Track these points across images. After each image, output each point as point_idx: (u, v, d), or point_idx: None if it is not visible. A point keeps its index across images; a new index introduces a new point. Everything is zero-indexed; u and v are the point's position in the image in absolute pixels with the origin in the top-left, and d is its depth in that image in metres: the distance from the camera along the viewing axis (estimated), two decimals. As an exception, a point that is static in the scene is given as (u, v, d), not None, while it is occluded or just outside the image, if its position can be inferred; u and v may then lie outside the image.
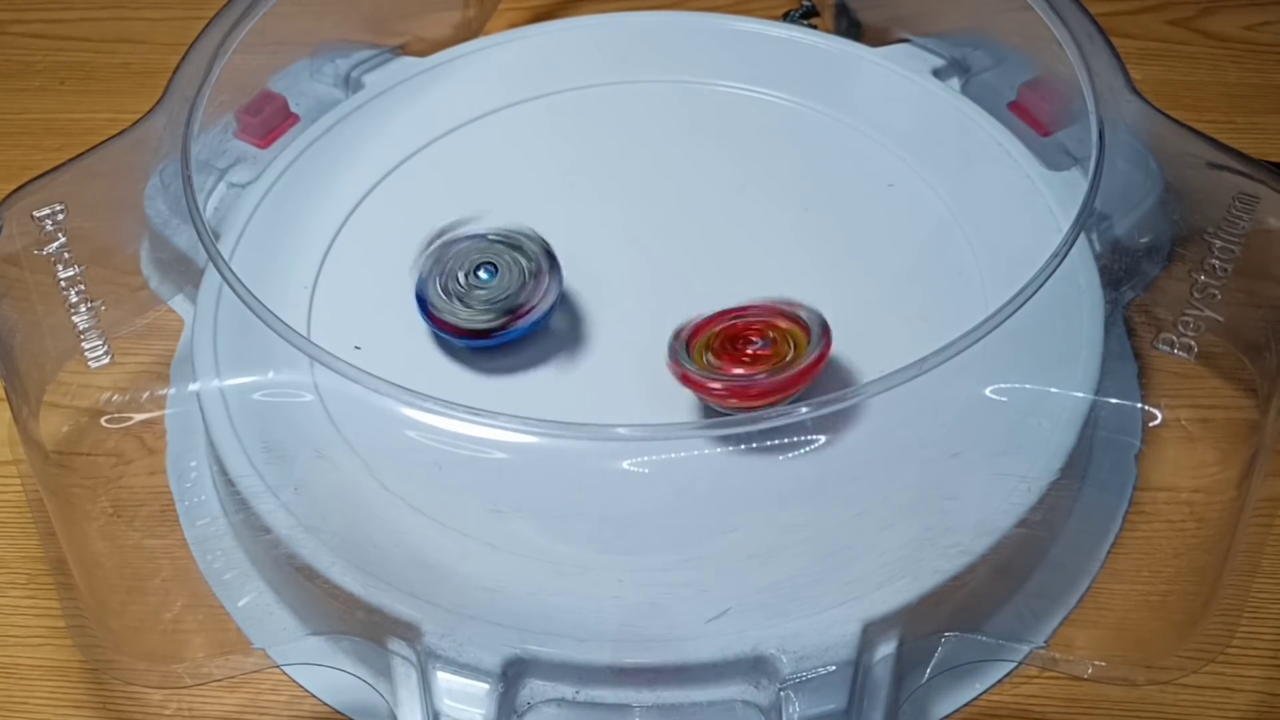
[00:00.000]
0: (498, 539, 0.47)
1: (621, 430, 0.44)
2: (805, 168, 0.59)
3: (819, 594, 0.45)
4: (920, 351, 0.44)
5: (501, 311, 0.51)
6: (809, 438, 0.46)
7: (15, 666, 0.51)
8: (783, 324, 0.50)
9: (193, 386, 0.51)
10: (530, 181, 0.59)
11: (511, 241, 0.52)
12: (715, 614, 0.45)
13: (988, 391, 0.48)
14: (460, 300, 0.51)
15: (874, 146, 0.59)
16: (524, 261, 0.52)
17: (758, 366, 0.48)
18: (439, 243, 0.52)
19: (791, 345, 0.49)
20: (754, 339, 0.49)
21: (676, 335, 0.50)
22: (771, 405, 0.48)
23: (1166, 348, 0.47)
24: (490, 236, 0.52)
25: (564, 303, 0.53)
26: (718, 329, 0.50)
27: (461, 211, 0.57)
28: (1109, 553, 0.51)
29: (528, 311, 0.51)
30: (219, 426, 0.50)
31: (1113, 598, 0.50)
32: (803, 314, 0.50)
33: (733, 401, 0.49)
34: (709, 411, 0.50)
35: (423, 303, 0.52)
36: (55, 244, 0.49)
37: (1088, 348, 0.50)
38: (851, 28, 0.68)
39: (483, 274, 0.51)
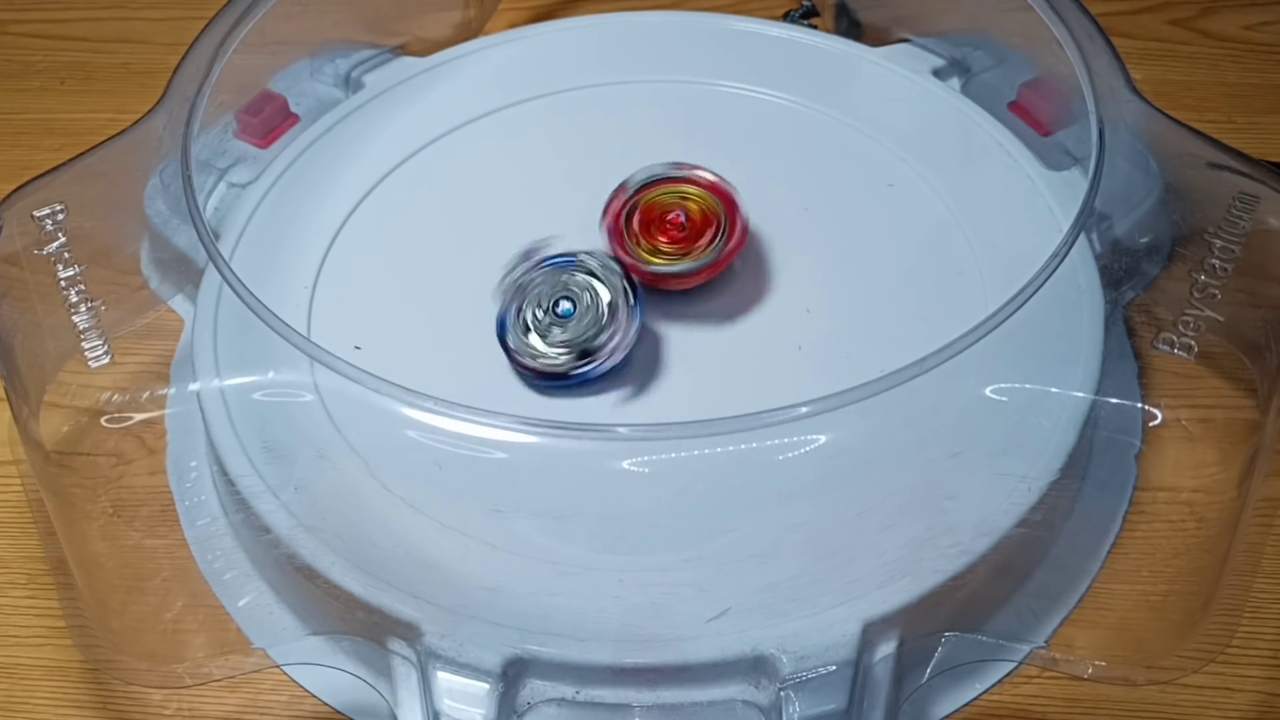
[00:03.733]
0: (498, 539, 0.47)
1: (621, 430, 0.44)
2: (805, 168, 0.59)
3: (819, 594, 0.45)
4: (920, 351, 0.44)
5: (577, 354, 0.50)
6: (809, 438, 0.46)
7: (16, 666, 0.51)
8: (700, 200, 0.53)
9: (193, 386, 0.51)
10: (530, 181, 0.59)
11: (591, 270, 0.51)
12: (715, 614, 0.45)
13: (988, 391, 0.48)
14: (541, 336, 0.50)
15: (874, 146, 0.59)
16: (603, 299, 0.50)
17: (687, 244, 0.52)
18: (520, 269, 0.51)
19: (719, 220, 0.53)
20: (677, 217, 0.53)
21: (604, 216, 0.53)
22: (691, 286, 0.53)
23: (1166, 348, 0.47)
24: (571, 267, 0.51)
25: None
26: (641, 203, 0.53)
27: (460, 212, 0.58)
28: (1109, 553, 0.51)
29: (603, 357, 0.50)
30: (219, 426, 0.50)
31: (1113, 598, 0.50)
32: (703, 175, 0.53)
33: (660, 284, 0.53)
34: (708, 411, 0.50)
35: (503, 338, 0.51)
36: (55, 244, 0.49)
37: (1088, 348, 0.50)
38: (851, 28, 0.68)
39: (562, 307, 0.50)
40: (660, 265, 0.52)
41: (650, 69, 0.63)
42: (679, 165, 0.54)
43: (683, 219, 0.53)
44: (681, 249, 0.52)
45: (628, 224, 0.53)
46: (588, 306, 0.51)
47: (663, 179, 0.54)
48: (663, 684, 0.45)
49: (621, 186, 0.54)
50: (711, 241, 0.52)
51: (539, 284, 0.51)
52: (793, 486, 0.47)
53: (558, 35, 0.65)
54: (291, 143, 0.60)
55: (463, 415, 0.43)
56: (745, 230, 0.53)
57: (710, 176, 0.54)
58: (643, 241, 0.53)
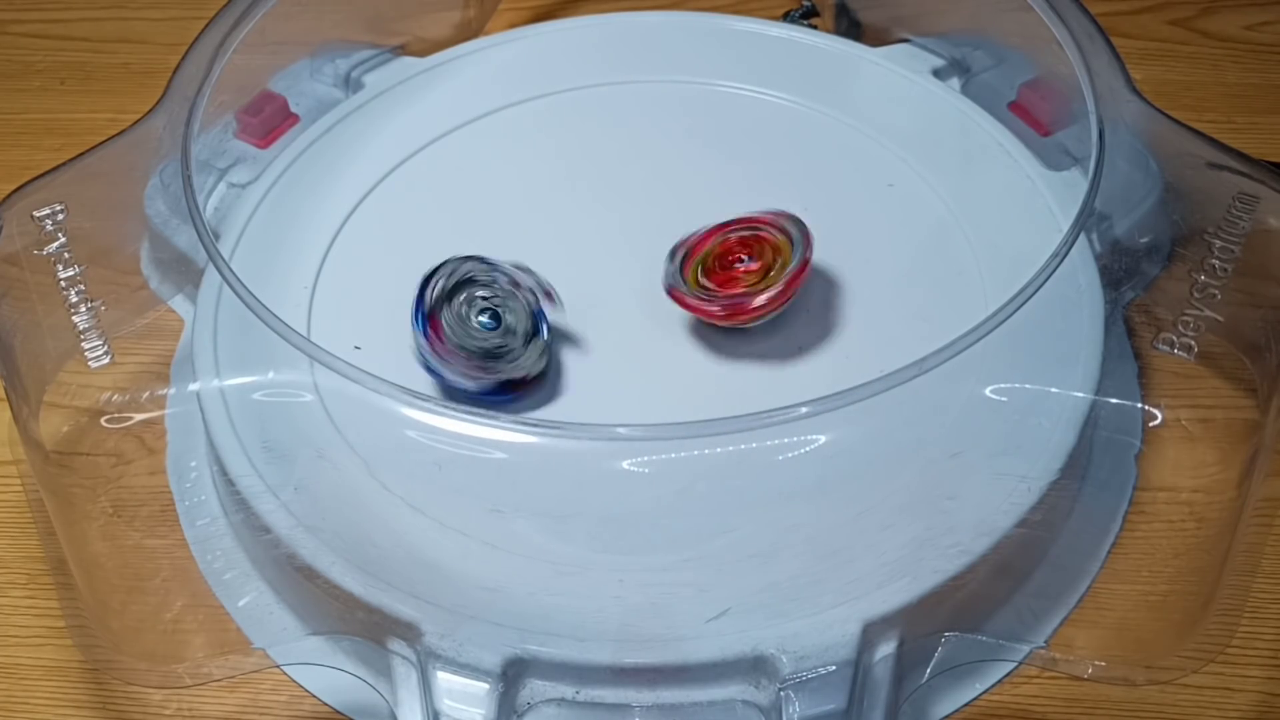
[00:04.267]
0: (498, 539, 0.47)
1: (621, 430, 0.44)
2: (805, 168, 0.59)
3: (819, 594, 0.45)
4: (920, 351, 0.44)
5: (495, 372, 0.49)
6: (809, 438, 0.46)
7: (16, 666, 0.51)
8: (767, 235, 0.52)
9: (193, 386, 0.51)
10: (530, 182, 0.59)
11: (511, 280, 0.51)
12: (715, 614, 0.45)
13: (988, 391, 0.48)
14: (461, 349, 0.49)
15: (874, 146, 0.59)
16: (521, 318, 0.50)
17: (747, 283, 0.51)
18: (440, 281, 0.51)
19: (776, 255, 0.52)
20: (742, 256, 0.52)
21: (671, 259, 0.52)
22: (765, 316, 0.52)
23: (1166, 348, 0.47)
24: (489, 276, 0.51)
25: (563, 302, 0.52)
26: (709, 249, 0.52)
27: (460, 212, 0.58)
28: (1109, 553, 0.51)
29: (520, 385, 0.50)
30: (219, 426, 0.50)
31: (1113, 598, 0.50)
32: (785, 222, 0.52)
33: (734, 319, 0.52)
34: (708, 411, 0.50)
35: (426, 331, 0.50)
36: (55, 244, 0.49)
37: (1088, 348, 0.50)
38: (851, 28, 0.68)
39: (484, 319, 0.50)
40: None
41: (650, 69, 0.63)
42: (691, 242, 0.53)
43: (743, 259, 0.52)
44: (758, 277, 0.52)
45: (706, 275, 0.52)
46: (507, 329, 0.50)
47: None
48: (663, 684, 0.45)
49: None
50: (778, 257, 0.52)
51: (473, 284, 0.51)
52: (793, 486, 0.47)
53: (558, 35, 0.65)
54: (291, 143, 0.60)
55: (463, 415, 0.43)
56: (805, 233, 0.52)
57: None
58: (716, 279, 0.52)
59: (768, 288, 0.51)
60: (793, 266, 0.51)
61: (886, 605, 0.45)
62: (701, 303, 0.51)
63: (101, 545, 0.49)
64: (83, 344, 0.48)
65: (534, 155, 0.60)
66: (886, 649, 0.45)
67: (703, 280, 0.52)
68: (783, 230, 0.52)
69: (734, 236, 0.52)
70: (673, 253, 0.53)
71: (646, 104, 0.62)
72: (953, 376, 0.45)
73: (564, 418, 0.49)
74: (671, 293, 0.52)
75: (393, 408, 0.44)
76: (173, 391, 0.51)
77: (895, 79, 0.62)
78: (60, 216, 0.50)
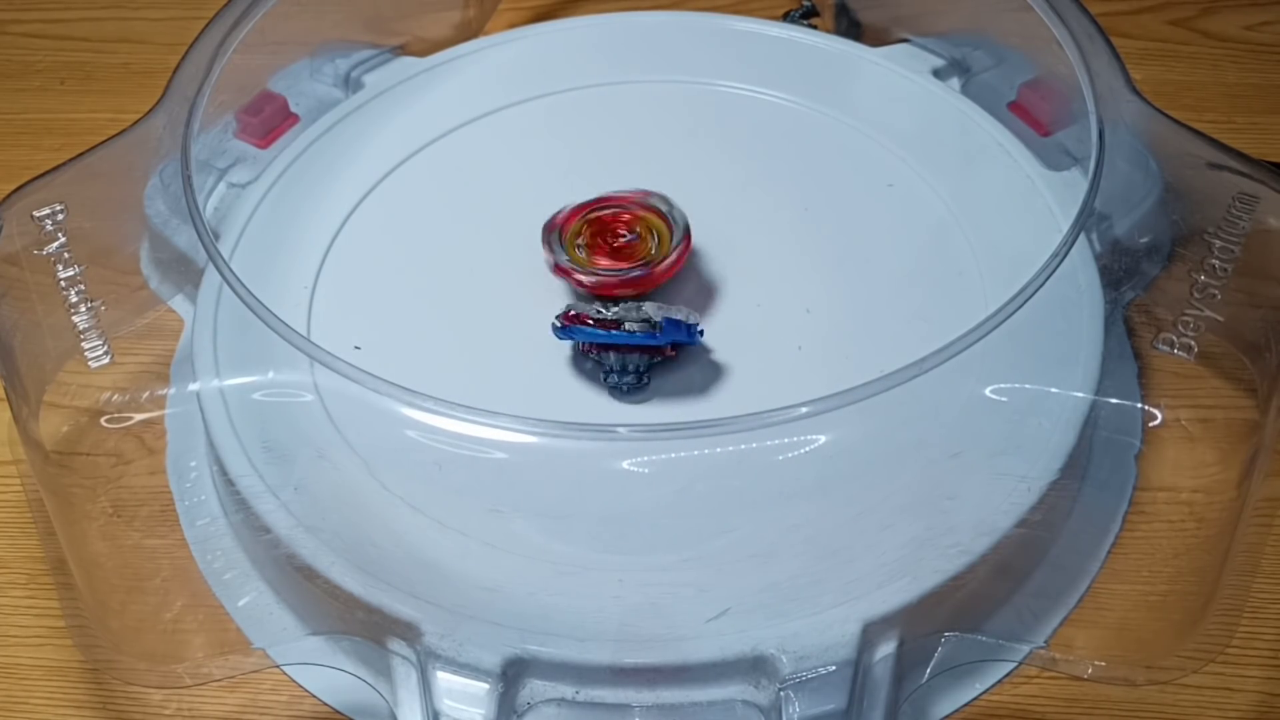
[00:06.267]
0: (498, 539, 0.47)
1: (621, 430, 0.44)
2: (805, 168, 0.59)
3: (819, 594, 0.45)
4: (920, 351, 0.44)
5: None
6: (809, 438, 0.46)
7: (15, 666, 0.51)
8: (646, 215, 0.54)
9: (193, 386, 0.51)
10: (530, 181, 0.59)
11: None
12: (715, 614, 0.45)
13: (988, 391, 0.48)
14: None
15: (874, 146, 0.59)
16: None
17: (623, 260, 0.53)
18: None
19: (655, 239, 0.53)
20: (622, 231, 0.53)
21: (548, 226, 0.54)
22: (633, 298, 0.52)
23: (1166, 348, 0.47)
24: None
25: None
26: (589, 217, 0.53)
27: (459, 211, 0.58)
28: (1109, 553, 0.51)
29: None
30: (219, 426, 0.50)
31: (1113, 598, 0.50)
32: (663, 207, 0.54)
33: (600, 291, 0.53)
34: (708, 411, 0.50)
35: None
36: (55, 244, 0.49)
37: (1088, 348, 0.50)
38: (851, 28, 0.68)
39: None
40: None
41: (650, 69, 0.63)
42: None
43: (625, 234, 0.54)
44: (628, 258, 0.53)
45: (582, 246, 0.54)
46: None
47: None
48: (663, 684, 0.45)
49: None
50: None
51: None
52: (793, 486, 0.47)
53: (558, 35, 0.65)
54: (291, 143, 0.60)
55: (463, 415, 0.43)
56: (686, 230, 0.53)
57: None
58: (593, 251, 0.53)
59: (646, 268, 0.52)
60: (672, 255, 0.52)
61: (886, 605, 0.45)
62: (575, 270, 0.52)
63: (101, 545, 0.49)
64: (83, 344, 0.48)
65: (534, 155, 0.60)
66: (886, 649, 0.45)
67: (581, 248, 0.53)
68: (660, 214, 0.54)
69: (613, 212, 0.54)
70: (548, 223, 0.53)
71: (646, 104, 0.62)
72: (953, 376, 0.45)
73: (564, 417, 0.49)
74: (552, 261, 0.52)
75: (393, 408, 0.44)
76: (173, 391, 0.51)
77: (895, 79, 0.62)
78: (60, 216, 0.50)
